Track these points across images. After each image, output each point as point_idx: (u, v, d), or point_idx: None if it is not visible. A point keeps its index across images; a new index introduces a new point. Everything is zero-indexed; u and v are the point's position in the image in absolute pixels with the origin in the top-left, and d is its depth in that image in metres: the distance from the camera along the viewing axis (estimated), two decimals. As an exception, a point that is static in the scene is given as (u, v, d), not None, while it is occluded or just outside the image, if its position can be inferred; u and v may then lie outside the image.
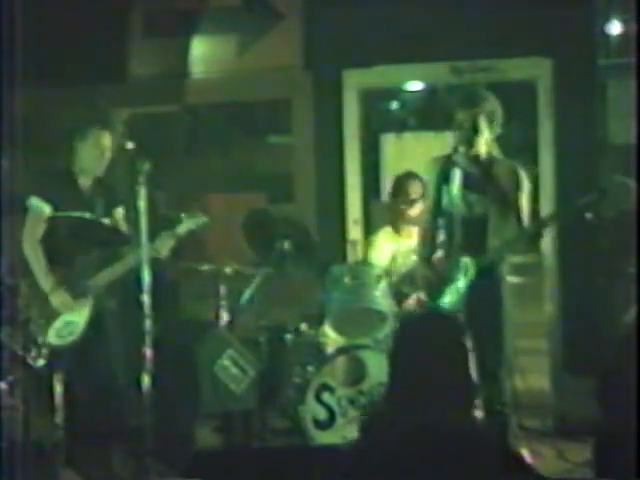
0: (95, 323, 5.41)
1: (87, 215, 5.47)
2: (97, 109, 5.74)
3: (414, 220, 6.10)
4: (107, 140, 5.47)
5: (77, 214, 5.45)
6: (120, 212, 5.62)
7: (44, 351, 5.29)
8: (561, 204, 6.28)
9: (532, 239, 5.15)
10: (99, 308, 5.45)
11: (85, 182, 5.52)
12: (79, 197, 5.49)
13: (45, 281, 5.34)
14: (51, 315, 5.36)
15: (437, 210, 5.28)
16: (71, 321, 5.38)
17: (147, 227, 5.10)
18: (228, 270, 6.09)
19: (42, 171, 5.79)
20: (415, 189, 6.28)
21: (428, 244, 5.36)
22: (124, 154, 5.45)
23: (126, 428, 5.43)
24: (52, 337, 5.35)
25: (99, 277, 5.42)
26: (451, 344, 3.06)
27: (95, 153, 5.45)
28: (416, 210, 6.11)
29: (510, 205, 5.16)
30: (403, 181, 6.44)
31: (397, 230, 6.35)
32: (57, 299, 5.35)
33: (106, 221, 5.54)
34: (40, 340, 5.30)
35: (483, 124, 5.08)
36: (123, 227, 5.62)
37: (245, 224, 6.09)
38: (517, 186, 5.16)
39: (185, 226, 5.49)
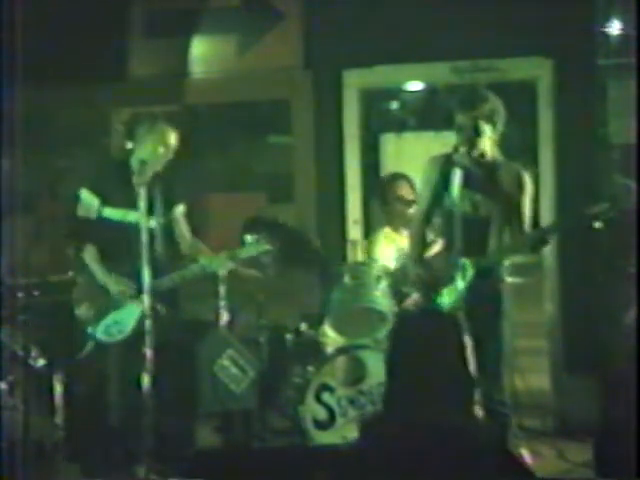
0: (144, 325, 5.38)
1: (137, 213, 5.35)
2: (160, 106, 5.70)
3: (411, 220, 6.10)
4: (172, 137, 5.42)
5: (127, 211, 5.38)
6: (180, 211, 5.56)
7: (90, 344, 5.25)
8: (568, 212, 6.25)
9: (536, 246, 5.13)
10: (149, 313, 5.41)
11: (141, 179, 5.33)
12: (131, 193, 5.34)
13: (100, 272, 5.32)
14: (102, 311, 5.33)
15: (434, 209, 5.27)
16: (121, 320, 5.35)
17: (147, 228, 5.09)
18: (228, 270, 6.08)
19: (95, 165, 5.73)
20: (406, 190, 6.27)
21: (419, 242, 5.35)
22: (124, 154, 5.45)
23: (127, 428, 5.43)
24: (100, 333, 5.32)
25: (156, 285, 5.24)
26: (446, 343, 3.06)
27: (159, 149, 5.37)
28: (413, 210, 6.11)
29: (512, 207, 5.15)
30: (390, 182, 6.41)
31: (396, 230, 6.35)
32: (115, 287, 5.33)
33: (161, 219, 5.45)
34: (88, 333, 5.26)
35: (484, 125, 5.06)
36: (183, 226, 5.57)
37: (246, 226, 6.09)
38: (520, 189, 5.14)
39: (247, 251, 5.46)
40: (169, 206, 5.48)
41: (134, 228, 5.21)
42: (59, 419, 5.20)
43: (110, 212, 5.39)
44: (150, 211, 5.30)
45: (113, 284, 5.33)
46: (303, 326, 6.03)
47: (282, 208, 7.12)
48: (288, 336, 6.00)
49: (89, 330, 5.30)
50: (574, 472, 5.52)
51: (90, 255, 5.35)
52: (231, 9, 7.14)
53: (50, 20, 6.85)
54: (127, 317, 5.36)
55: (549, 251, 6.58)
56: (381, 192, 6.47)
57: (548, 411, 6.50)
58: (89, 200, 5.37)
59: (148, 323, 5.03)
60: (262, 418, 5.94)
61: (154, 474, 5.05)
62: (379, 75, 6.93)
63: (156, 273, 5.21)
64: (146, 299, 5.05)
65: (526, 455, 5.55)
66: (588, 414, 5.76)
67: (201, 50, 7.22)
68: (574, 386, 6.43)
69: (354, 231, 6.99)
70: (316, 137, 7.06)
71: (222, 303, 6.08)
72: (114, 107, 7.19)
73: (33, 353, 5.25)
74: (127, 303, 5.35)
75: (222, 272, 5.50)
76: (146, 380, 5.04)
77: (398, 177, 6.40)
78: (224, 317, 6.08)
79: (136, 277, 5.21)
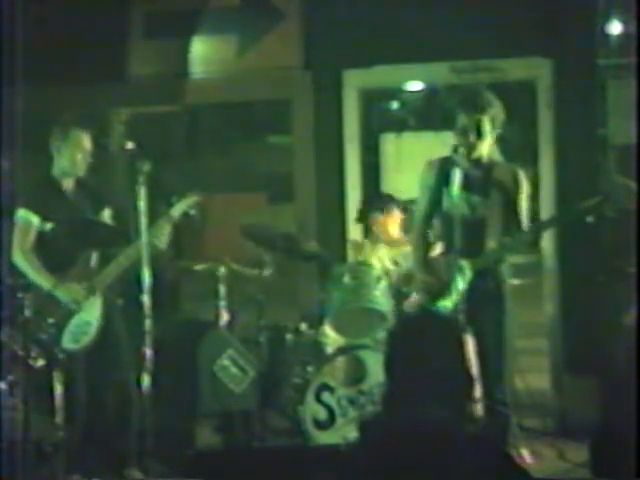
0: (107, 320, 5.41)
1: (76, 217, 5.46)
2: (74, 111, 5.71)
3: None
4: (87, 141, 5.45)
5: (66, 218, 5.43)
6: (106, 214, 5.61)
7: (61, 357, 5.25)
8: (562, 207, 6.26)
9: (532, 242, 5.15)
10: (109, 305, 5.45)
11: (67, 184, 5.50)
12: (64, 200, 5.48)
13: (47, 284, 5.32)
14: (63, 320, 5.33)
15: (434, 211, 5.28)
16: (83, 321, 5.36)
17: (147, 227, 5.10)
18: (228, 270, 6.09)
19: (26, 180, 5.79)
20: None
21: (421, 245, 5.36)
22: (124, 154, 5.45)
23: (127, 428, 5.44)
24: (67, 342, 5.33)
25: (105, 274, 5.42)
26: (446, 343, 3.06)
27: (76, 155, 5.42)
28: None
29: (510, 207, 5.16)
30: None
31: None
32: (66, 294, 5.33)
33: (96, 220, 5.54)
34: (56, 347, 5.27)
35: (487, 128, 5.08)
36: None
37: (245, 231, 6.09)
38: (517, 188, 5.16)
39: (179, 208, 5.47)
40: (97, 209, 5.56)
41: (77, 232, 5.38)
42: (59, 419, 5.20)
43: (51, 223, 5.41)
44: (81, 215, 5.46)
45: (63, 293, 5.34)
46: (303, 326, 6.03)
47: (282, 208, 7.13)
48: (288, 336, 6.00)
49: (55, 344, 5.30)
50: (574, 472, 5.52)
51: (31, 269, 5.37)
52: (231, 9, 7.13)
53: (50, 20, 6.85)
54: (89, 317, 5.36)
55: (549, 252, 6.59)
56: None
57: (548, 411, 6.49)
58: (27, 217, 5.40)
59: (148, 322, 5.04)
60: (262, 418, 5.93)
61: (154, 474, 5.05)
62: (379, 75, 6.92)
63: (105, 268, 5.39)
64: (146, 299, 5.06)
65: (526, 455, 5.56)
66: (588, 414, 5.76)
67: (201, 50, 7.21)
68: (574, 386, 6.43)
69: (354, 231, 6.98)
70: (316, 137, 7.05)
71: (222, 303, 6.09)
72: (114, 107, 7.19)
73: (33, 353, 5.24)
74: (86, 302, 5.36)
75: (163, 240, 5.42)
76: (145, 380, 5.05)
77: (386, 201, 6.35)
78: (224, 317, 6.09)
79: (87, 274, 5.36)
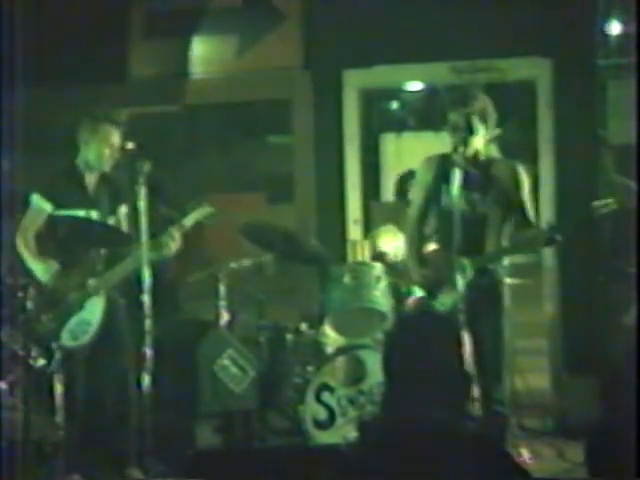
0: (109, 321, 5.40)
1: (91, 212, 5.45)
2: (106, 106, 5.69)
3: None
4: (116, 137, 5.44)
5: (81, 211, 5.43)
6: (123, 210, 5.60)
7: (58, 355, 5.24)
8: (571, 210, 6.25)
9: (541, 245, 5.15)
10: (112, 305, 5.44)
11: (90, 178, 5.50)
12: (84, 193, 5.47)
13: (45, 272, 5.31)
14: (64, 316, 5.33)
15: (430, 208, 5.28)
16: (84, 320, 5.36)
17: (149, 227, 5.09)
18: (228, 270, 6.09)
19: (46, 168, 5.76)
20: None
21: (415, 241, 5.36)
22: (124, 154, 5.46)
23: (126, 428, 5.44)
24: (66, 340, 5.32)
25: (111, 275, 5.40)
26: (445, 343, 3.06)
27: (103, 149, 5.41)
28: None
29: (510, 203, 5.17)
30: (407, 180, 6.43)
31: (399, 228, 6.35)
32: (64, 282, 5.32)
33: (110, 219, 5.52)
34: (54, 344, 5.26)
35: (476, 123, 5.08)
36: (125, 225, 5.60)
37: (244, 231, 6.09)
38: (516, 184, 5.16)
39: (192, 218, 5.47)
40: (115, 206, 5.55)
41: (86, 228, 5.37)
42: (59, 419, 5.20)
43: (63, 214, 5.40)
44: (98, 210, 5.43)
45: (68, 286, 5.33)
46: (303, 326, 6.03)
47: (282, 208, 7.12)
48: (288, 336, 6.00)
49: (54, 340, 5.28)
50: (573, 472, 5.52)
51: (30, 255, 5.36)
52: (231, 9, 7.14)
53: (50, 20, 6.85)
54: (90, 316, 5.36)
55: (549, 251, 6.59)
56: (397, 190, 6.46)
57: (548, 411, 6.50)
58: (40, 204, 5.39)
59: (148, 322, 5.04)
60: (262, 418, 5.94)
61: (154, 474, 5.05)
62: (379, 75, 6.93)
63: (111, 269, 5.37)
64: (146, 299, 5.06)
65: (526, 455, 5.56)
66: (588, 414, 5.76)
67: (201, 50, 7.22)
68: (574, 386, 6.43)
69: (354, 231, 6.98)
70: (316, 137, 7.05)
71: (222, 303, 6.08)
72: (114, 107, 7.18)
73: (33, 353, 5.24)
74: (86, 302, 5.36)
75: (173, 249, 5.40)
76: (145, 380, 5.05)
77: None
78: (224, 317, 6.08)
79: (92, 274, 5.34)
